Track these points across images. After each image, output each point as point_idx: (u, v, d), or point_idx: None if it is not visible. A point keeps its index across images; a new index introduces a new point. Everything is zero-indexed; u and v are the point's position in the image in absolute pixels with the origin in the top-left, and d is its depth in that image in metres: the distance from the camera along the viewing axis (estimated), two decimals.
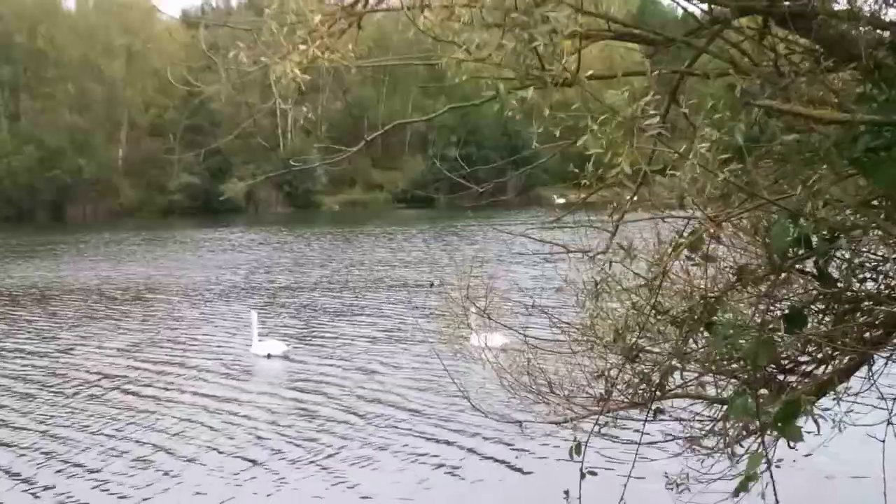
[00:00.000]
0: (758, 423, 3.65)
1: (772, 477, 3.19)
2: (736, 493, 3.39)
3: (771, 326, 3.63)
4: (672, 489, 4.84)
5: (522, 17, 2.82)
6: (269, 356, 18.72)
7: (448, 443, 12.37)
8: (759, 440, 3.94)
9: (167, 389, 16.81)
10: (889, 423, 4.85)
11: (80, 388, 17.01)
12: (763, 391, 3.76)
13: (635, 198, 4.10)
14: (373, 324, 23.57)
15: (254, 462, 12.10)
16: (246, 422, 14.34)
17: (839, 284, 3.73)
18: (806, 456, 5.57)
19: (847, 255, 3.69)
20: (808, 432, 3.38)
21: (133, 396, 16.31)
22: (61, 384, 17.33)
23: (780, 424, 2.91)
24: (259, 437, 13.38)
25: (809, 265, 3.57)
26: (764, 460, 3.24)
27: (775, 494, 3.02)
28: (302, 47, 3.09)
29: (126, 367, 18.80)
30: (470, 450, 11.93)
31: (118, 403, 15.76)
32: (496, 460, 11.46)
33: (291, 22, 3.11)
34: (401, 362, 18.12)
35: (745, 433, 4.53)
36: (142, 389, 16.83)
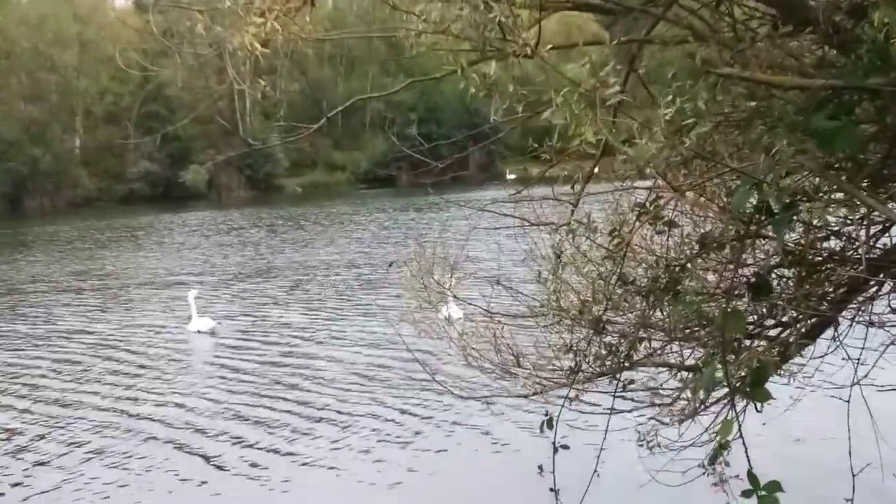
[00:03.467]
0: (726, 389, 3.67)
1: (744, 442, 3.21)
2: (711, 461, 3.41)
3: (736, 293, 3.65)
4: (642, 445, 4.86)
5: None
6: (198, 332, 19.94)
7: (413, 420, 12.26)
8: (727, 405, 3.96)
9: (106, 363, 17.66)
10: (854, 383, 4.90)
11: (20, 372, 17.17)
12: (730, 357, 3.77)
13: (596, 170, 4.10)
14: (330, 303, 23.53)
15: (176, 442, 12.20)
16: (169, 394, 14.86)
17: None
18: (775, 419, 5.61)
19: (807, 219, 3.71)
20: (775, 400, 3.39)
21: (74, 370, 17.12)
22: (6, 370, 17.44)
23: (748, 389, 2.92)
24: (183, 412, 13.75)
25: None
26: (736, 427, 3.25)
27: (748, 459, 3.03)
28: (259, 20, 3.05)
29: (72, 349, 19.25)
30: (437, 427, 11.86)
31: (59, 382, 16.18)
32: (465, 437, 11.40)
33: None
34: (359, 340, 18.01)
35: (712, 399, 4.56)
36: (82, 365, 17.61)
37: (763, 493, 2.71)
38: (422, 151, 5.51)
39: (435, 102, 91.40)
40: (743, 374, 3.16)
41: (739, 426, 3.16)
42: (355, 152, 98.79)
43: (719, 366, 3.19)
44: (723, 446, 3.13)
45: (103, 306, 25.54)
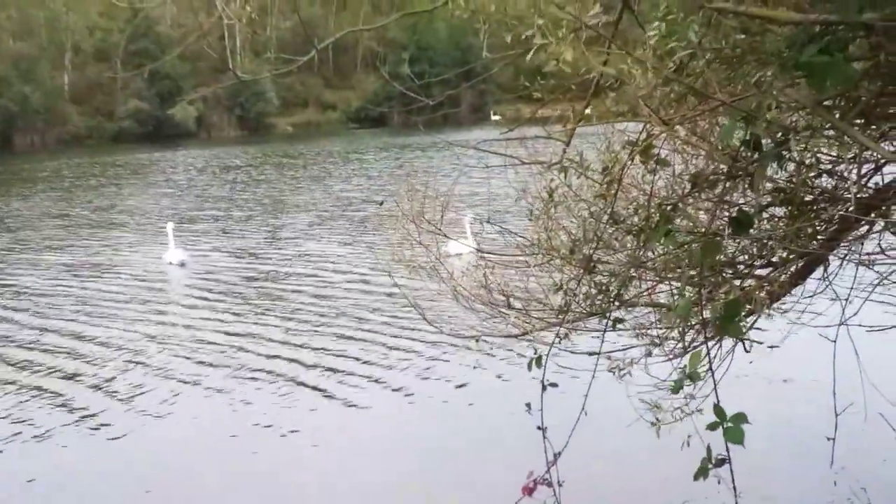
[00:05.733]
0: (706, 325, 3.67)
1: (713, 375, 3.21)
2: (674, 390, 3.41)
3: (728, 232, 3.64)
4: (613, 372, 4.89)
5: None
6: (170, 263, 21.20)
7: (401, 359, 12.31)
8: (714, 342, 3.97)
9: (84, 287, 19.08)
10: (841, 322, 4.92)
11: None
12: (719, 295, 3.77)
13: (588, 110, 4.07)
14: (316, 241, 23.59)
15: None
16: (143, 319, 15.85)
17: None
18: (762, 359, 5.64)
19: (798, 158, 3.69)
20: (745, 336, 3.40)
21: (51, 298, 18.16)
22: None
23: (719, 323, 2.91)
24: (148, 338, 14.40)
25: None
26: (705, 359, 3.26)
27: (716, 392, 3.04)
28: None
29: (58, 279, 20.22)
30: (425, 366, 11.90)
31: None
32: (453, 376, 11.45)
33: None
34: (347, 280, 18.06)
35: (700, 340, 4.57)
36: (64, 290, 18.86)
37: (729, 424, 2.72)
38: (414, 90, 5.46)
39: (427, 42, 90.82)
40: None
41: (710, 359, 3.17)
42: (347, 91, 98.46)
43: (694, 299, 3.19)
44: (691, 377, 3.14)
45: (114, 239, 26.11)
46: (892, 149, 3.77)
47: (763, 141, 2.78)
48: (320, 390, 11.30)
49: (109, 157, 64.51)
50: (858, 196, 3.68)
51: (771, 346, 5.73)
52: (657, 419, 4.40)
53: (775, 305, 4.54)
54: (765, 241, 4.05)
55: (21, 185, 46.80)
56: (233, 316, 15.78)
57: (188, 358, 13.11)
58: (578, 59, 2.94)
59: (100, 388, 11.81)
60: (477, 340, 5.54)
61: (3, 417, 10.88)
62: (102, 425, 10.43)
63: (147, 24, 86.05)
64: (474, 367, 11.58)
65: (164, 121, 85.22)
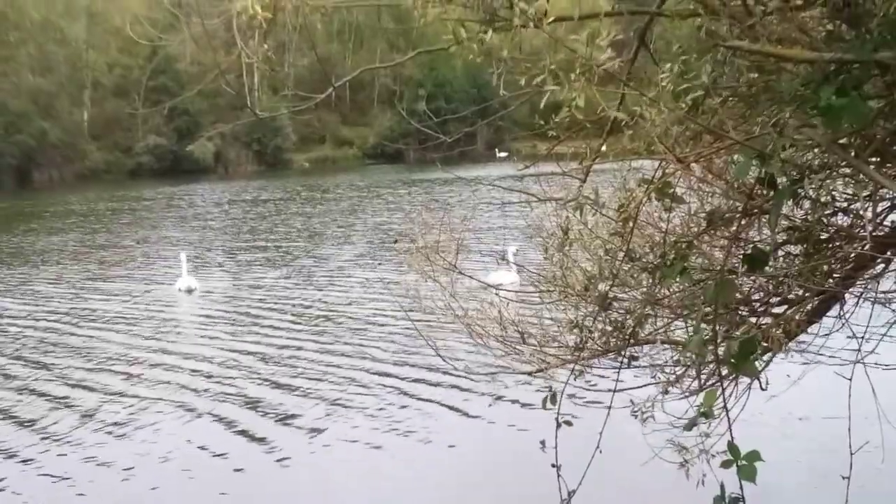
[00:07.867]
0: (720, 363, 3.66)
1: (727, 413, 3.20)
2: (687, 427, 3.40)
3: (742, 270, 3.64)
4: (636, 416, 4.86)
5: None
6: (179, 290, 22.22)
7: (416, 396, 12.30)
8: (729, 380, 3.96)
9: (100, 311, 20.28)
10: (857, 361, 4.90)
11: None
12: (736, 333, 3.76)
13: (604, 147, 4.09)
14: (332, 277, 23.63)
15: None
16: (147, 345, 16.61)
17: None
18: (778, 397, 5.61)
19: (813, 196, 3.69)
20: (762, 375, 3.38)
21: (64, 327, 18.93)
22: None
23: (733, 361, 2.90)
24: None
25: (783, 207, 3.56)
26: (720, 398, 3.24)
27: (730, 430, 3.03)
28: None
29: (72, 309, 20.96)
30: (440, 403, 11.89)
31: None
32: (468, 413, 11.44)
33: None
34: (363, 316, 18.08)
35: (712, 375, 4.55)
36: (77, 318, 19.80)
37: (743, 462, 2.70)
38: (430, 126, 5.49)
39: (444, 78, 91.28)
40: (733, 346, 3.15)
41: (724, 397, 3.15)
42: (363, 127, 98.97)
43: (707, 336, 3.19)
44: (705, 415, 3.12)
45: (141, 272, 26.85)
46: None
47: (778, 179, 2.79)
48: (331, 424, 11.29)
49: (135, 191, 65.27)
50: (874, 234, 3.68)
51: (786, 385, 5.70)
52: (685, 460, 4.38)
53: (791, 343, 4.52)
54: (780, 278, 4.05)
55: (56, 219, 47.34)
56: (232, 341, 16.37)
57: (166, 381, 13.32)
58: (591, 102, 2.96)
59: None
60: (493, 378, 5.55)
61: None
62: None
63: (167, 61, 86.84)
64: (489, 405, 11.55)
65: (181, 156, 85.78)
